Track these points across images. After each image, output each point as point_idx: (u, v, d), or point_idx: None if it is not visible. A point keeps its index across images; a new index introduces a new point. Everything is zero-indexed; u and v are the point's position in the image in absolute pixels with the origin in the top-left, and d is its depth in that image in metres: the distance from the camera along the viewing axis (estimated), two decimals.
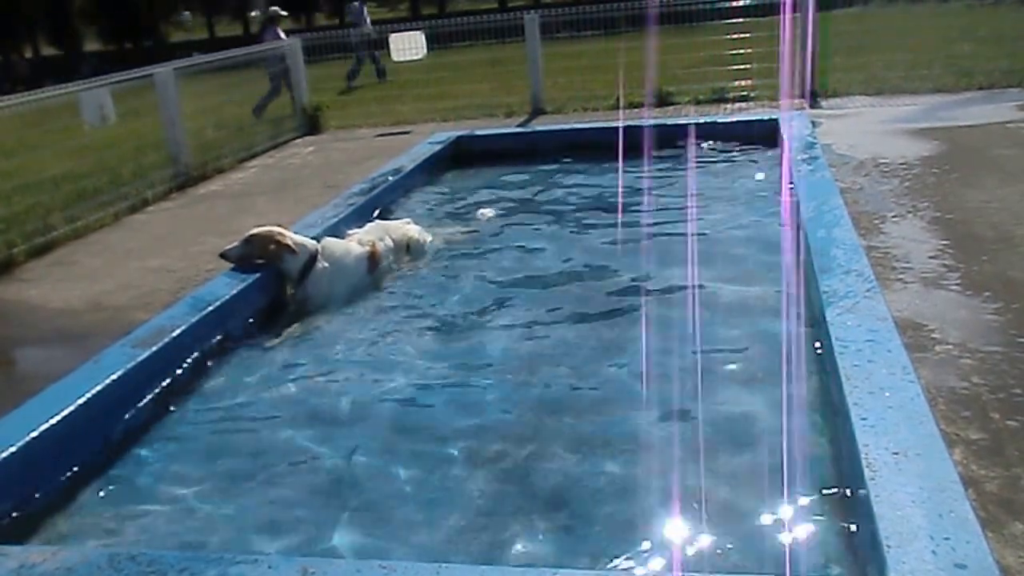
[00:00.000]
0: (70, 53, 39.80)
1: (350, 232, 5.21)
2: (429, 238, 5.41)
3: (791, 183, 5.52)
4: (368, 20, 17.57)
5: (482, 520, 2.72)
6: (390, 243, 5.14)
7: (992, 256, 4.13)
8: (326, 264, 4.71)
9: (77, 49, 41.17)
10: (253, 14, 13.28)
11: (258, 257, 4.66)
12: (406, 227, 5.38)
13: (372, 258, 4.94)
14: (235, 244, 4.71)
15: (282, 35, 12.72)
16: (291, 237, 4.71)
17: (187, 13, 43.26)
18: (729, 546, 2.49)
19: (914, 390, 2.79)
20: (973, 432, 2.69)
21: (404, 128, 10.04)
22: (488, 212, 5.86)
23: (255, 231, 4.73)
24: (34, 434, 3.11)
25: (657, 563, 2.43)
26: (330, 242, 4.90)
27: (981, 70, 9.42)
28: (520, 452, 3.07)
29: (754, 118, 8.03)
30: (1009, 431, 2.69)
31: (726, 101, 9.59)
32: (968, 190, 5.23)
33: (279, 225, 4.89)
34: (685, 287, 4.39)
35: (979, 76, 9.20)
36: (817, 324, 3.60)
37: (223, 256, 4.70)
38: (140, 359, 3.70)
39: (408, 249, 5.24)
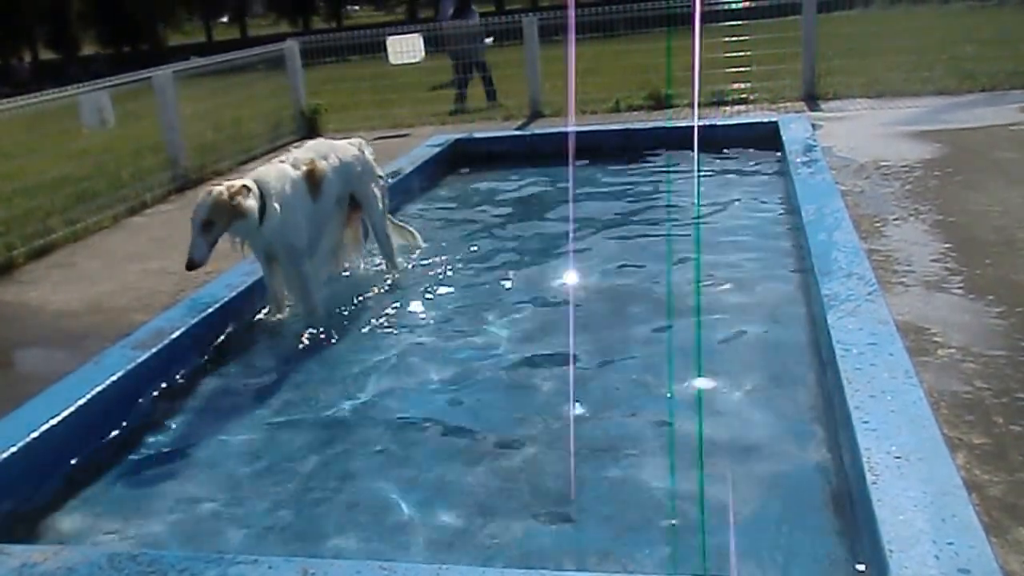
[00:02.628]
0: (68, 57, 39.81)
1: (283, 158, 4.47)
2: (376, 167, 4.93)
3: (792, 186, 5.51)
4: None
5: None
6: (335, 162, 4.58)
7: (995, 259, 4.11)
8: (276, 204, 4.10)
9: (75, 53, 41.16)
10: None
11: (223, 231, 3.92)
12: (350, 148, 4.78)
13: (311, 178, 4.36)
14: (194, 241, 3.83)
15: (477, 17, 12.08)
16: (234, 184, 3.98)
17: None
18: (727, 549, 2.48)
19: (916, 394, 2.78)
20: (976, 436, 2.68)
21: (402, 131, 10.02)
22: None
23: (205, 206, 3.84)
24: (34, 435, 3.11)
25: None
26: (260, 172, 4.22)
27: (983, 72, 9.37)
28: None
29: (754, 120, 8.02)
30: (1013, 435, 2.68)
31: (725, 104, 9.58)
32: (970, 193, 5.21)
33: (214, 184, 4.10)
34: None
35: (981, 78, 9.15)
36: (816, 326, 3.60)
37: (192, 267, 3.85)
38: (140, 360, 3.70)
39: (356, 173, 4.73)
